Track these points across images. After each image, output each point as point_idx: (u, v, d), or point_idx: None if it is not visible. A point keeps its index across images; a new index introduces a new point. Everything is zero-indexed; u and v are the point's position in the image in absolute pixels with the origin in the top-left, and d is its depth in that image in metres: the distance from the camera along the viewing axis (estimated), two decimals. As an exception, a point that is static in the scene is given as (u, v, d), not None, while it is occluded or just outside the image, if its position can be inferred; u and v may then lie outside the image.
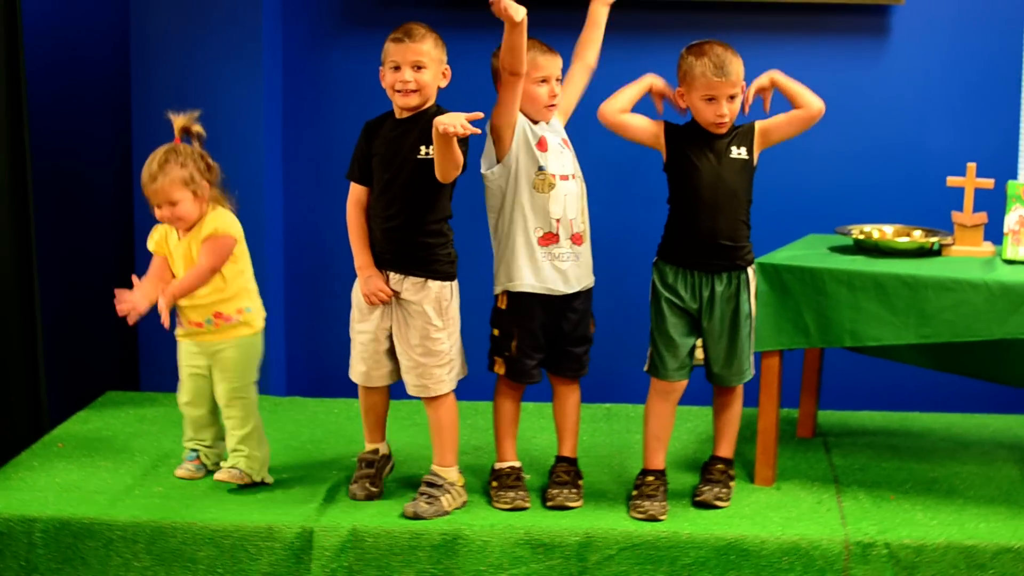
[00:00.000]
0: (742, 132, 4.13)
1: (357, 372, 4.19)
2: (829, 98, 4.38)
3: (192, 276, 4.09)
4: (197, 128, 4.20)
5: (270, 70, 5.19)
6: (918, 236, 4.46)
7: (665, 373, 4.15)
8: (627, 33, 4.92)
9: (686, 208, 4.13)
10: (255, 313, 4.23)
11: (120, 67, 5.41)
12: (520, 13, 3.79)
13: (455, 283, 4.11)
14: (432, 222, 4.06)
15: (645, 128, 4.18)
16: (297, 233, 5.37)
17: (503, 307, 4.14)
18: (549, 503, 4.11)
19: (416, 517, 3.98)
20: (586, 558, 3.90)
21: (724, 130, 4.08)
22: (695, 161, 4.09)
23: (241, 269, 4.19)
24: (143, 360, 5.35)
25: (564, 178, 4.08)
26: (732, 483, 4.25)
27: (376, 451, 4.25)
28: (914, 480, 4.37)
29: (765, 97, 4.17)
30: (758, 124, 4.15)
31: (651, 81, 4.19)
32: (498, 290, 4.15)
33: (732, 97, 4.03)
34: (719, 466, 4.27)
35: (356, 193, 4.12)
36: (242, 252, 4.19)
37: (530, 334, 4.13)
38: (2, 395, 4.89)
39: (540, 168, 4.05)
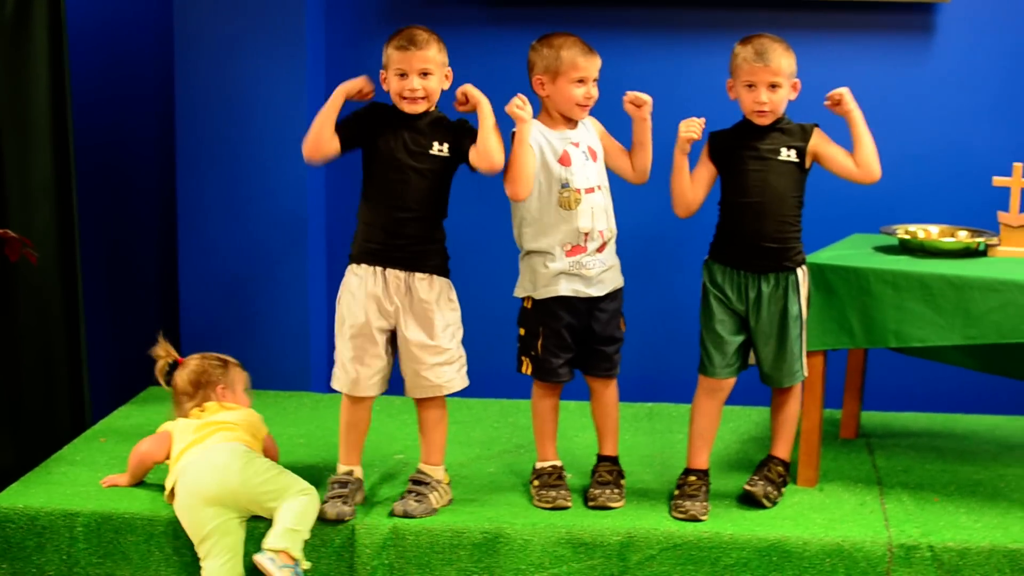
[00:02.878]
0: (796, 131, 4.10)
1: (343, 380, 4.09)
2: (874, 96, 4.36)
3: None
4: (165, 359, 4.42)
5: (313, 68, 5.20)
6: (964, 236, 4.43)
7: (712, 370, 4.14)
8: (672, 31, 4.91)
9: (732, 209, 4.11)
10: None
11: (164, 66, 5.43)
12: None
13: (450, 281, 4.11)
14: (439, 219, 4.07)
15: (709, 177, 4.15)
16: (339, 233, 5.37)
17: (528, 307, 4.13)
18: (591, 503, 4.10)
19: (406, 515, 3.97)
20: (627, 558, 3.89)
21: (766, 121, 4.05)
22: (742, 163, 4.07)
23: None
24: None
25: (590, 191, 4.04)
26: (784, 488, 4.22)
27: (351, 472, 4.15)
28: (958, 482, 4.35)
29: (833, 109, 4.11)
30: (817, 133, 4.11)
31: (680, 151, 4.10)
32: (522, 294, 4.15)
33: (773, 86, 4.00)
34: (778, 468, 4.25)
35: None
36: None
37: (556, 334, 4.11)
38: (45, 389, 4.93)
39: (564, 185, 4.02)
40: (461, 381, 4.10)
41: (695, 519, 3.99)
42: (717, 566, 3.88)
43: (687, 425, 4.25)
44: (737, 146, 4.10)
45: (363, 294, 4.02)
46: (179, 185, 5.27)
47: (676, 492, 4.13)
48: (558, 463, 4.23)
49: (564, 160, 4.03)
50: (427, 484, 4.08)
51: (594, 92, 4.05)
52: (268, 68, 5.16)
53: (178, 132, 5.25)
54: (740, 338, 4.14)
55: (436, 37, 4.02)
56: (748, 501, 4.12)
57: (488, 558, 3.91)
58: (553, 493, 4.10)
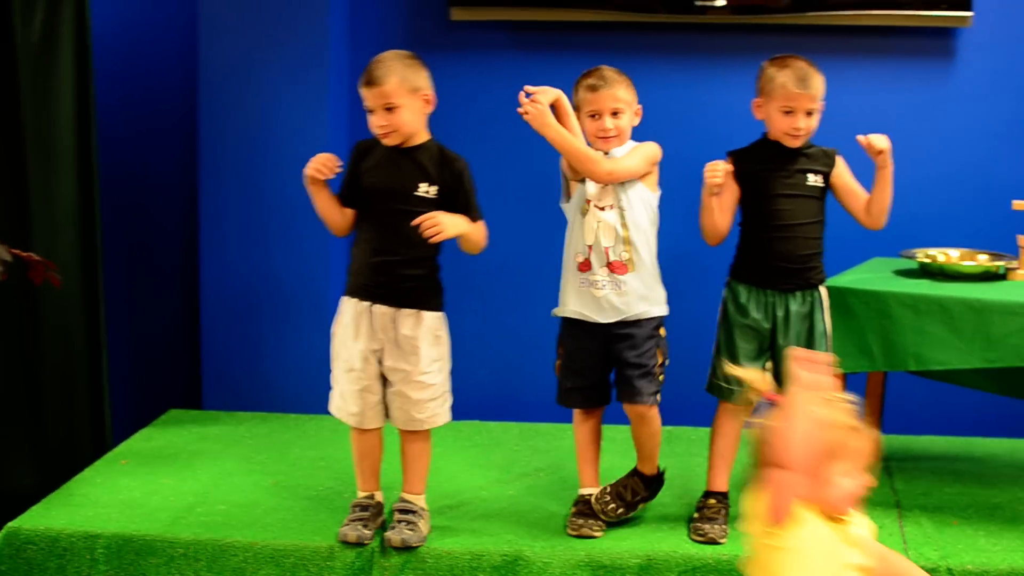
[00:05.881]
0: (820, 156, 4.08)
1: (345, 412, 4.04)
2: (894, 121, 4.35)
3: None
4: None
5: (336, 93, 5.22)
6: (984, 260, 4.43)
7: (732, 397, 4.13)
8: (693, 57, 4.92)
9: (759, 232, 4.08)
10: None
11: (188, 91, 5.45)
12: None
13: (444, 314, 4.03)
14: (426, 257, 3.96)
15: (735, 200, 4.11)
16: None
17: (560, 327, 4.14)
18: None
19: (404, 545, 3.92)
20: (646, 581, 3.90)
21: (798, 143, 4.03)
22: (770, 187, 4.05)
23: None
24: (206, 378, 5.38)
25: (601, 208, 3.98)
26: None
27: (371, 496, 4.13)
28: (977, 505, 4.33)
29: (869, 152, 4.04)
30: (840, 162, 4.09)
31: (708, 194, 4.05)
32: (555, 312, 4.14)
33: (810, 113, 3.99)
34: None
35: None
36: None
37: (570, 356, 4.11)
38: (67, 412, 4.95)
39: (587, 199, 3.99)
40: (445, 416, 4.05)
41: (714, 542, 3.98)
42: (736, 589, 3.88)
43: (707, 448, 4.25)
44: (764, 169, 4.07)
45: (353, 328, 3.97)
46: (201, 209, 5.29)
47: (695, 515, 4.13)
48: (595, 490, 4.18)
49: None
50: (415, 512, 4.04)
51: (611, 125, 3.96)
52: (291, 93, 5.18)
53: (201, 157, 5.27)
54: (760, 362, 4.12)
55: (401, 64, 3.90)
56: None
57: (508, 581, 3.93)
58: (580, 521, 4.07)
